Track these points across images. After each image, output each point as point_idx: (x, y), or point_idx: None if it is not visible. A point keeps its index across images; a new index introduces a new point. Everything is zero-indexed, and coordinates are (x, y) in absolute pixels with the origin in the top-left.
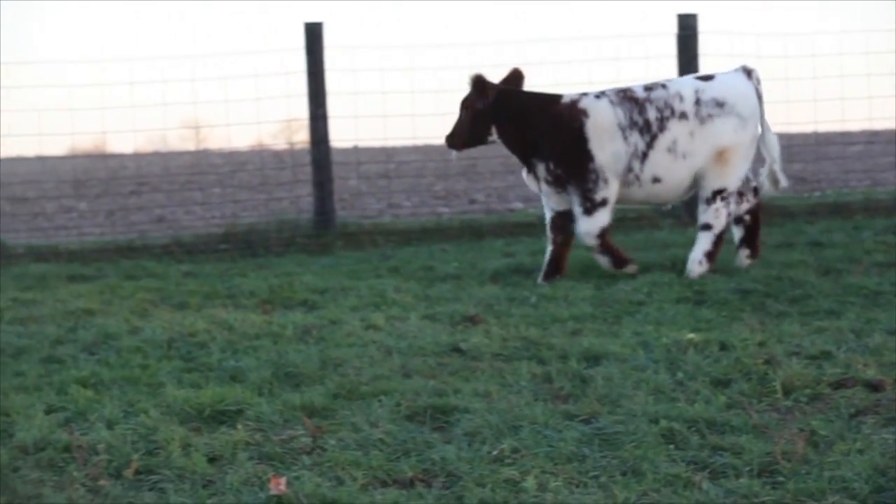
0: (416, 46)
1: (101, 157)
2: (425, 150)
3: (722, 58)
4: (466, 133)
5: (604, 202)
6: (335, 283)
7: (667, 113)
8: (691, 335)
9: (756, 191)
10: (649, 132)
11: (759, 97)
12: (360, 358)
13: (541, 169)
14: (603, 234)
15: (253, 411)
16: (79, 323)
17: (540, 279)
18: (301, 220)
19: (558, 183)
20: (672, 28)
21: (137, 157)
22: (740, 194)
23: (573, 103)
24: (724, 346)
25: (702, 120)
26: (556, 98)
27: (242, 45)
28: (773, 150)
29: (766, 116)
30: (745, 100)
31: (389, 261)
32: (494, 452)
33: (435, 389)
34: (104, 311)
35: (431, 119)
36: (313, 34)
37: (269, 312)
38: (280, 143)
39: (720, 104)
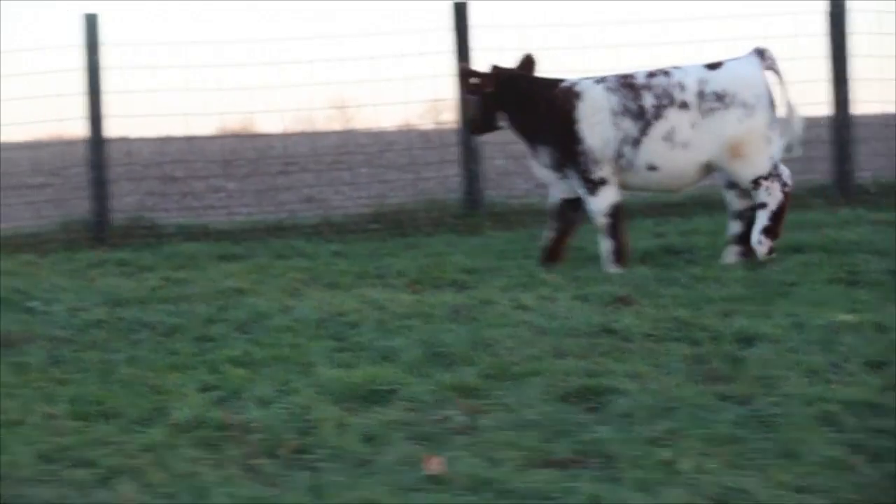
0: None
1: (249, 137)
2: None
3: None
4: (480, 119)
5: (602, 181)
6: (485, 264)
7: (665, 101)
8: (845, 316)
9: (784, 183)
10: (643, 119)
11: (780, 77)
12: (511, 338)
13: (542, 153)
14: (615, 214)
15: (406, 391)
16: (230, 302)
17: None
18: (450, 201)
19: (557, 167)
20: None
21: (285, 137)
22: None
23: (570, 87)
24: (879, 328)
25: (704, 112)
26: (556, 82)
27: (388, 24)
28: (795, 128)
29: (789, 95)
30: (750, 87)
31: (538, 241)
32: (649, 433)
33: (587, 370)
34: (255, 290)
35: None
36: (460, 14)
37: (420, 292)
38: (427, 124)
39: (720, 97)
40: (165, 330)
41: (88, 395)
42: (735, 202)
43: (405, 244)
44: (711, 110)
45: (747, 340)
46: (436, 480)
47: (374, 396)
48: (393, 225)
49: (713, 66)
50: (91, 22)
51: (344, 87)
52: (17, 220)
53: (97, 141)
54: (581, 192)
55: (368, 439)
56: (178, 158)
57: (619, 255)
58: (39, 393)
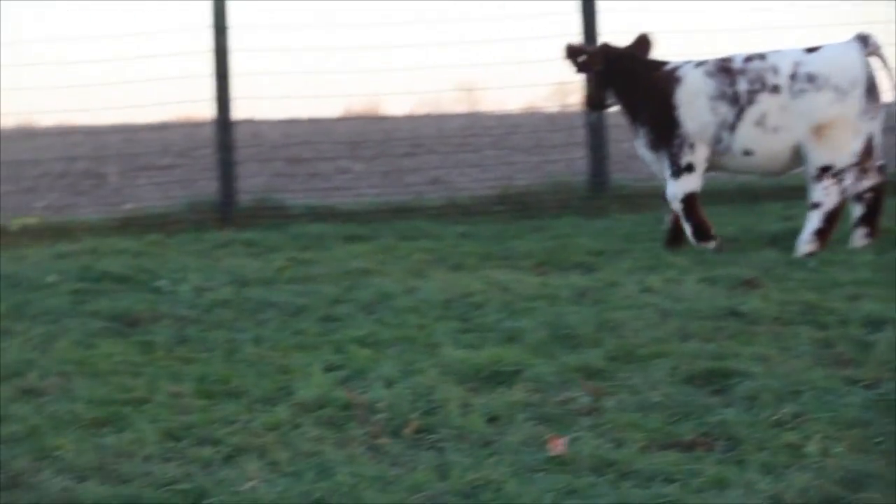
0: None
1: (375, 119)
2: None
3: None
4: (594, 96)
5: (689, 167)
6: (611, 246)
7: (757, 86)
8: None
9: (882, 168)
10: (737, 104)
11: (885, 63)
12: (636, 320)
13: (642, 134)
14: (689, 200)
15: (531, 372)
16: (356, 282)
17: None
18: (576, 183)
19: (654, 148)
20: None
21: (411, 119)
22: (863, 170)
23: (673, 70)
24: None
25: (794, 94)
26: (660, 64)
27: (514, 7)
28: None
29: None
30: (845, 72)
31: (665, 224)
32: (775, 416)
33: (713, 353)
34: (381, 270)
35: None
36: None
37: (545, 274)
38: (552, 106)
39: (812, 78)
40: (291, 310)
41: (214, 373)
42: (853, 186)
43: (531, 226)
44: (801, 91)
45: (875, 324)
46: (559, 461)
47: (499, 377)
48: (518, 207)
49: (811, 50)
50: (219, 5)
51: (470, 69)
52: (146, 201)
53: (224, 123)
54: (665, 173)
55: (492, 420)
56: (304, 140)
57: (703, 233)
58: (165, 371)
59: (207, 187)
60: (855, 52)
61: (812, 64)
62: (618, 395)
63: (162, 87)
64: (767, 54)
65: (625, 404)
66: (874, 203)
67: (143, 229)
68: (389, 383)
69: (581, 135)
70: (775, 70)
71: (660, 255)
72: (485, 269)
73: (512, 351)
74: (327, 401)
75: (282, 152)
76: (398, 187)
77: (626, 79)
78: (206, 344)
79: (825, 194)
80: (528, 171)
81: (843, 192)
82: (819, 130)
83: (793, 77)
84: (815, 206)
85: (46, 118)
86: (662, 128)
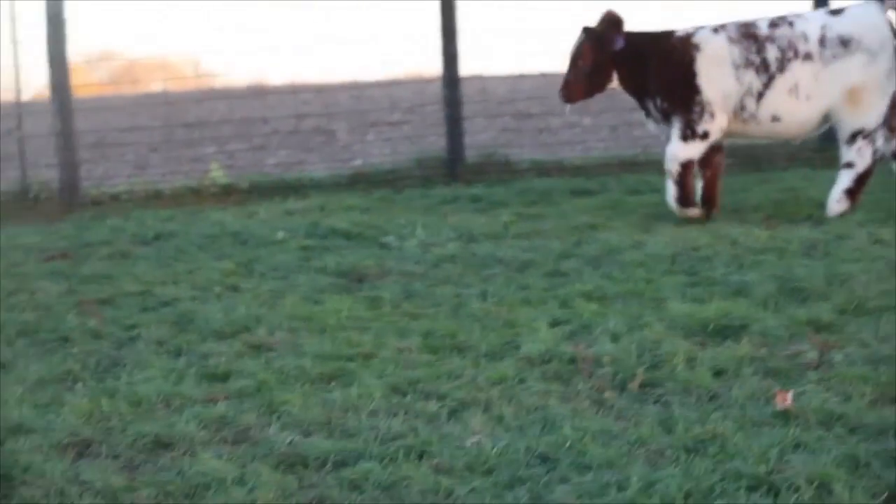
0: None
1: None
2: None
3: None
4: (586, 82)
5: (704, 135)
6: None
7: (790, 54)
8: None
9: None
10: (767, 72)
11: None
12: (866, 273)
13: (652, 107)
14: (688, 166)
15: (758, 326)
16: (583, 237)
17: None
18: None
19: (667, 118)
20: None
21: None
22: (892, 129)
23: (687, 37)
24: None
25: (826, 61)
26: (669, 34)
27: None
28: None
29: None
30: (874, 32)
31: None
32: None
33: None
34: (607, 225)
35: None
36: None
37: (774, 227)
38: None
39: (845, 42)
40: (518, 265)
41: (440, 329)
42: (887, 146)
43: (759, 178)
44: (835, 57)
45: None
46: (785, 415)
47: (726, 331)
48: (747, 159)
49: (835, 13)
50: None
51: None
52: (374, 157)
53: (452, 79)
54: (674, 132)
55: (718, 374)
56: (531, 95)
57: (687, 200)
58: (392, 327)
59: (435, 143)
60: (878, 10)
61: (840, 27)
62: (846, 348)
63: (391, 45)
64: (793, 20)
65: (853, 358)
66: None
67: (371, 185)
68: (615, 337)
69: None
70: (805, 37)
71: (892, 207)
72: (713, 222)
73: (739, 305)
74: (553, 355)
75: (509, 108)
76: (626, 141)
77: (637, 55)
78: (433, 299)
79: (858, 156)
80: None
81: (875, 152)
82: (852, 95)
83: (822, 42)
84: (849, 165)
85: (277, 77)
86: (680, 96)
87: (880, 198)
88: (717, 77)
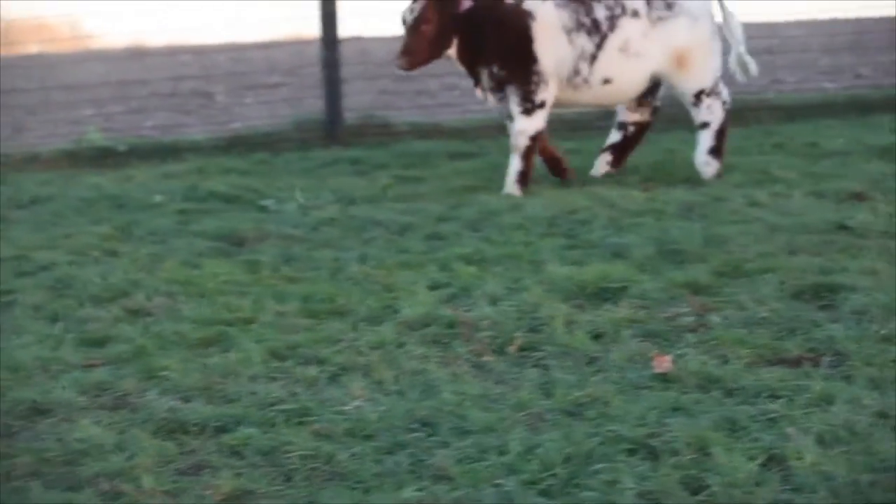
0: None
1: None
2: (809, 25)
3: None
4: (427, 49)
5: (542, 104)
6: None
7: (617, 11)
8: None
9: (655, 110)
10: (598, 32)
11: None
12: (744, 235)
13: (485, 77)
14: (536, 138)
15: (636, 288)
16: (461, 200)
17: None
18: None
19: (500, 88)
20: None
21: None
22: (640, 104)
23: (517, 4)
24: None
25: (653, 21)
26: (499, 2)
27: None
28: (737, 36)
29: (727, 2)
30: None
31: (773, 137)
32: (883, 331)
33: (820, 267)
34: (486, 188)
35: None
36: None
37: (651, 189)
38: None
39: (669, 5)
40: (397, 228)
41: (319, 293)
42: (623, 113)
43: None
44: (660, 19)
45: None
46: (664, 378)
47: (604, 294)
48: None
49: None
50: None
51: None
52: (253, 120)
53: (331, 40)
54: (514, 108)
55: (597, 337)
56: None
57: (524, 178)
58: (271, 291)
59: (314, 106)
60: None
61: None
62: (724, 311)
63: (270, 6)
64: None
65: (731, 320)
66: (632, 139)
67: (250, 149)
68: (494, 301)
69: None
70: None
71: (767, 168)
72: (591, 185)
73: (617, 267)
74: (432, 319)
75: (388, 70)
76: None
77: (471, 23)
78: (312, 263)
79: (710, 113)
80: None
81: (724, 104)
82: (681, 58)
83: (649, 3)
84: (704, 125)
85: (155, 39)
86: (516, 65)
87: (757, 160)
88: (552, 44)
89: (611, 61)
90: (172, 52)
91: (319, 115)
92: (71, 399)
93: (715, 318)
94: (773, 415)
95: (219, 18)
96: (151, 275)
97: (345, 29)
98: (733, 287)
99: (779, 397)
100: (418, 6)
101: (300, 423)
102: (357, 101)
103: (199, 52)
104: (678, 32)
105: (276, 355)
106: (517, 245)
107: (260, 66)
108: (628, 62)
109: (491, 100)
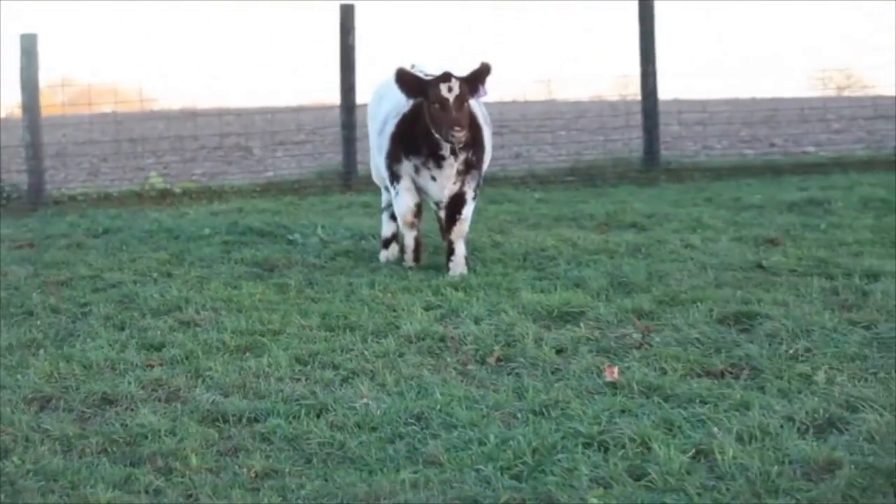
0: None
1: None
2: (734, 102)
3: None
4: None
5: None
6: (660, 210)
7: None
8: None
9: None
10: None
11: None
12: (680, 271)
13: (460, 160)
14: None
15: (592, 313)
16: None
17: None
18: (632, 158)
19: (467, 171)
20: None
21: (500, 105)
22: None
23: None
24: None
25: None
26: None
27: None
28: None
29: None
30: None
31: (704, 192)
32: (790, 351)
33: (741, 298)
34: (472, 229)
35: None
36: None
37: (606, 232)
38: (614, 95)
39: None
40: (399, 260)
41: (336, 310)
42: None
43: (595, 193)
44: None
45: (874, 276)
46: (614, 386)
47: (567, 316)
48: (586, 177)
49: None
50: (346, 12)
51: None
52: (283, 170)
53: (349, 107)
54: (468, 195)
55: (560, 351)
56: None
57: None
58: (296, 308)
59: (333, 159)
60: None
61: None
62: (663, 332)
63: (298, 77)
64: None
65: (668, 340)
66: None
67: (280, 193)
68: (477, 320)
69: (637, 119)
70: None
71: (700, 218)
72: (557, 228)
73: (578, 295)
74: (427, 334)
75: None
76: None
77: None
78: (330, 286)
79: None
80: (593, 148)
81: None
82: None
83: None
84: None
85: (205, 101)
86: (482, 154)
87: (691, 210)
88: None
89: None
90: (219, 113)
91: (338, 167)
92: (133, 392)
93: (656, 338)
94: (701, 417)
95: (259, 86)
96: (200, 293)
97: (360, 97)
98: (671, 313)
99: (706, 403)
100: (456, 85)
101: (318, 416)
102: (368, 157)
103: (241, 113)
104: None
105: (300, 360)
106: (497, 276)
107: (290, 126)
108: None
109: (447, 184)
